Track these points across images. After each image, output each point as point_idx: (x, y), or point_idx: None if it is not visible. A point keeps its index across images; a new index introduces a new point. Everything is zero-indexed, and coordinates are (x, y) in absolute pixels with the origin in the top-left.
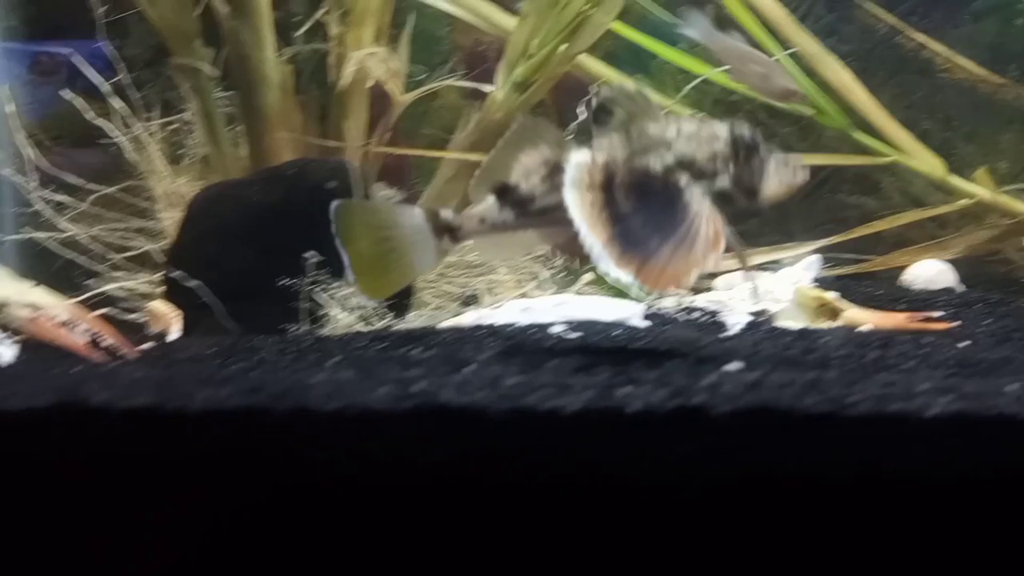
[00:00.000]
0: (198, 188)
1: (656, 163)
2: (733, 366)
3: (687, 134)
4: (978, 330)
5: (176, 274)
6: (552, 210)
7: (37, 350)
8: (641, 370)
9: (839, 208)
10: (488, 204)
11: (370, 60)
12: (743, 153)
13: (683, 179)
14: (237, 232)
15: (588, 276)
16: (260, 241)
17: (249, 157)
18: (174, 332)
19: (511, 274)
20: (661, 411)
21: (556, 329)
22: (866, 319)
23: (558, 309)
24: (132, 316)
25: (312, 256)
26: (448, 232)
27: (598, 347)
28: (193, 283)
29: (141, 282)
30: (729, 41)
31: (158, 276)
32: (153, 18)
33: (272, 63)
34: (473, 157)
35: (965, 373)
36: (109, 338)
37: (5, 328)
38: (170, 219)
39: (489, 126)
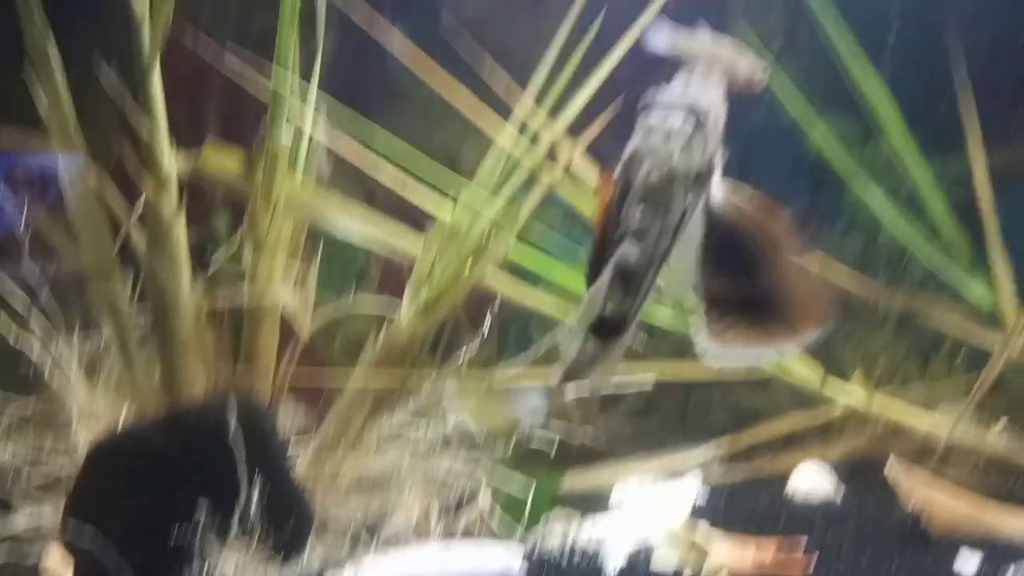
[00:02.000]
0: (114, 406)
1: None
2: None
3: None
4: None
5: (70, 528)
6: None
7: None
8: None
9: (731, 409)
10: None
11: (280, 291)
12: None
13: None
14: (134, 479)
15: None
16: (158, 488)
17: (161, 383)
18: None
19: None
20: None
21: None
22: (729, 561)
23: (444, 561)
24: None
25: (203, 504)
26: None
27: None
28: (86, 536)
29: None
30: (697, 36)
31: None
32: (72, 255)
33: (186, 291)
34: (377, 379)
35: None
36: None
37: None
38: (84, 437)
39: (394, 347)
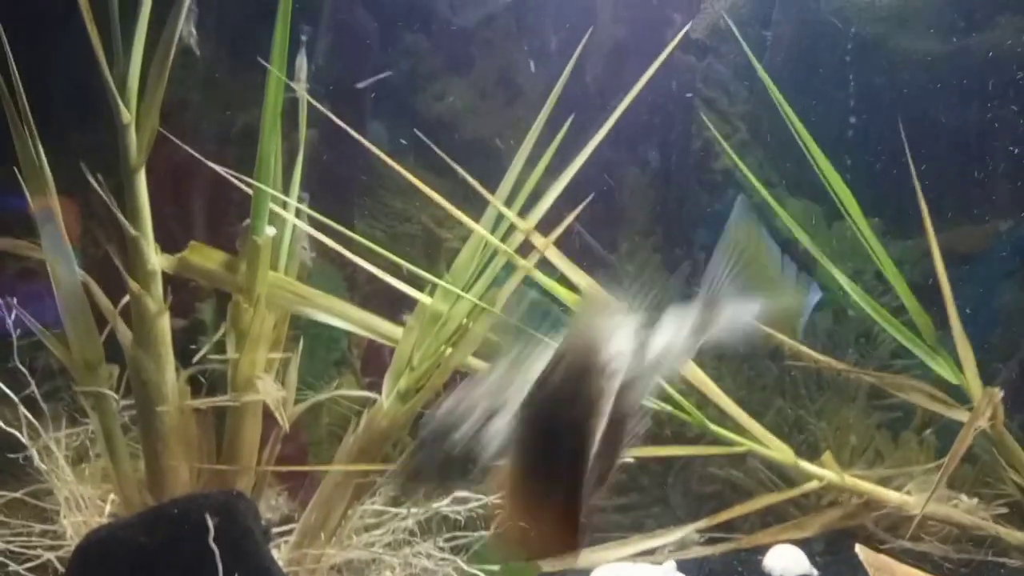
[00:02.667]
0: (101, 493)
1: None
2: None
3: None
4: None
5: None
6: None
7: None
8: None
9: (709, 481)
10: None
11: (262, 382)
12: None
13: None
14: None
15: None
16: None
17: (146, 474)
18: None
19: None
20: None
21: None
22: None
23: None
24: None
25: None
26: None
27: None
28: None
29: None
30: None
31: None
32: (55, 350)
33: (170, 385)
34: (357, 467)
35: None
36: None
37: None
38: (72, 523)
39: (374, 434)
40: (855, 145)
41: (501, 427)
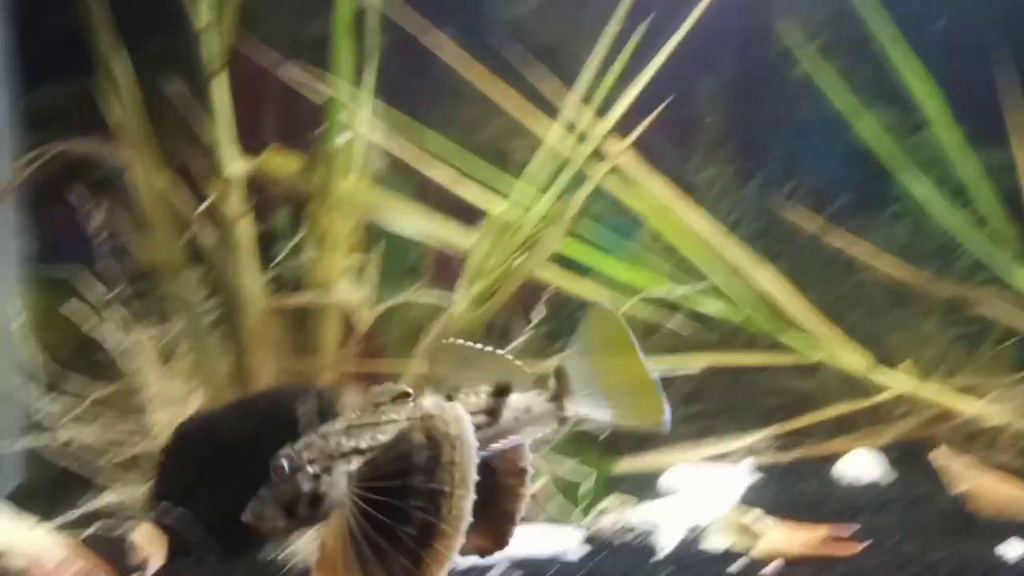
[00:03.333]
0: (187, 390)
1: None
2: None
3: None
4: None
5: (160, 507)
6: None
7: None
8: None
9: (781, 393)
10: None
11: (341, 285)
12: None
13: None
14: (213, 462)
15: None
16: (234, 471)
17: (232, 370)
18: (156, 562)
19: None
20: None
21: (495, 573)
22: (780, 545)
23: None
24: (124, 529)
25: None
26: None
27: None
28: (173, 514)
29: (132, 495)
30: None
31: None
32: (142, 256)
33: (253, 286)
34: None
35: None
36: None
37: (7, 572)
38: (161, 419)
39: (449, 336)
40: (941, 50)
41: (342, 475)
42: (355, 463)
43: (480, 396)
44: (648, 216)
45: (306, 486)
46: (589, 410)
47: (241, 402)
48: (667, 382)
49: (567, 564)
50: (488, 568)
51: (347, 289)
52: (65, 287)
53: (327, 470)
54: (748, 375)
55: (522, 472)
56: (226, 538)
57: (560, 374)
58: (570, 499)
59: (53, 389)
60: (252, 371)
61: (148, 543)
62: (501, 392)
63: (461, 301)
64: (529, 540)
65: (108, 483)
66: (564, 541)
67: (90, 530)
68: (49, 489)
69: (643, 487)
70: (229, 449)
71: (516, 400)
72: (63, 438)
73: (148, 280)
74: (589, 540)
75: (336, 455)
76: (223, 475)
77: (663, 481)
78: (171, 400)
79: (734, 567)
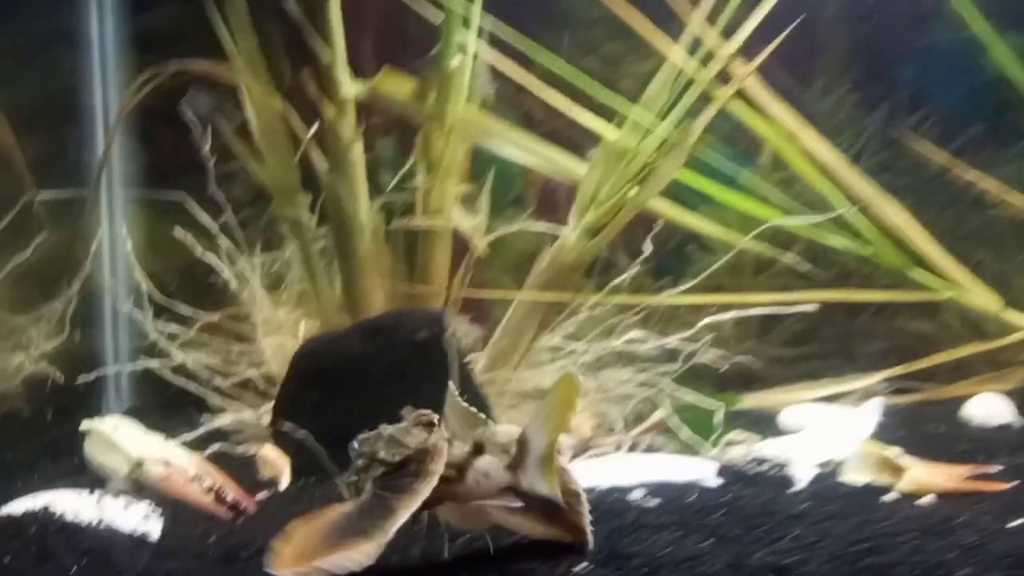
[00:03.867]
0: (295, 317)
1: None
2: None
3: None
4: None
5: (286, 427)
6: None
7: (178, 522)
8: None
9: (899, 335)
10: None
11: (455, 213)
12: None
13: None
14: (337, 384)
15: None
16: (358, 392)
17: (342, 296)
18: (284, 480)
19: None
20: None
21: (635, 495)
22: (926, 480)
23: (637, 470)
24: (241, 449)
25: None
26: None
27: (688, 521)
28: (299, 433)
29: (249, 416)
30: None
31: (264, 410)
32: (258, 173)
33: (365, 212)
34: (546, 296)
35: None
36: (231, 492)
37: (141, 488)
38: (269, 345)
39: (561, 267)
40: None
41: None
42: (378, 470)
43: (462, 450)
44: (773, 144)
45: (353, 477)
46: (542, 487)
47: (364, 325)
48: (778, 321)
49: (706, 491)
50: (628, 490)
51: (461, 215)
52: (175, 212)
53: (366, 470)
54: (865, 315)
55: (576, 494)
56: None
57: (522, 441)
58: (698, 430)
59: (163, 313)
60: (363, 297)
61: (275, 462)
62: (478, 451)
63: (572, 232)
64: (663, 468)
65: (221, 406)
66: (699, 470)
67: (210, 450)
68: (161, 411)
69: (762, 424)
70: (352, 371)
71: (480, 462)
72: (175, 362)
73: (258, 205)
74: (722, 471)
75: (376, 459)
76: (346, 397)
77: (782, 419)
78: (280, 326)
79: (886, 498)
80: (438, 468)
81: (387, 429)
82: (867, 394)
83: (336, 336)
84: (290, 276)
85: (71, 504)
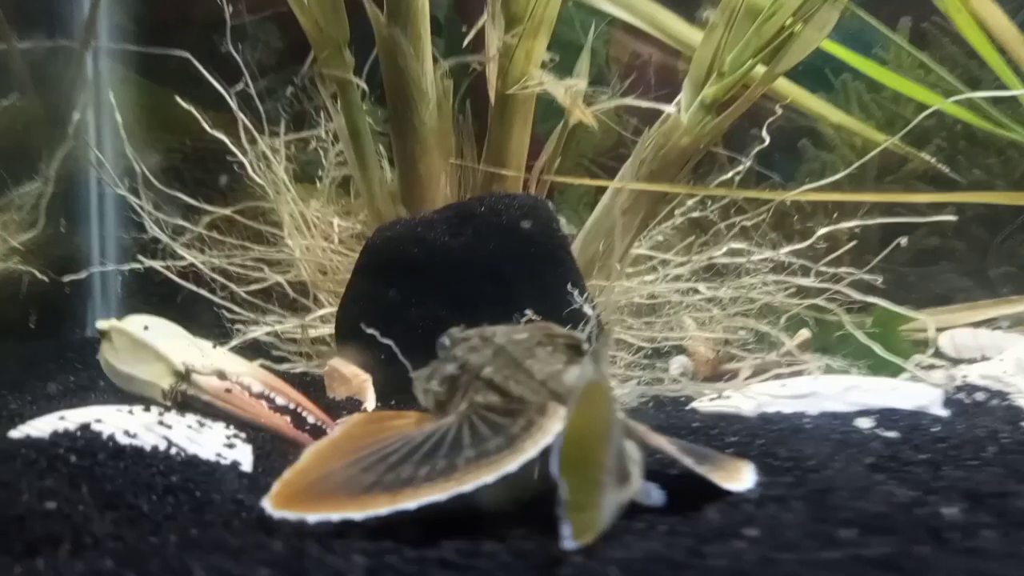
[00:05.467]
0: (331, 214)
1: None
2: None
3: None
4: None
5: (370, 331)
6: None
7: (269, 451)
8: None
9: None
10: None
11: (547, 79)
12: None
13: None
14: (421, 279)
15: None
16: (448, 292)
17: (400, 182)
18: (369, 400)
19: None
20: None
21: (864, 424)
22: None
23: (848, 394)
24: (284, 367)
25: (527, 315)
26: None
27: (937, 456)
28: (367, 344)
29: (294, 325)
30: None
31: (313, 317)
32: (304, 22)
33: (431, 76)
34: (653, 187)
35: None
36: (310, 412)
37: (187, 407)
38: (298, 246)
39: (671, 152)
40: None
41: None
42: (480, 395)
43: None
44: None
45: (436, 385)
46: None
47: (451, 210)
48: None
49: (937, 419)
50: (848, 417)
51: (552, 80)
52: (179, 77)
53: (454, 381)
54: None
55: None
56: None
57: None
58: (895, 349)
59: (164, 206)
60: (424, 183)
61: (353, 378)
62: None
63: (688, 107)
64: (882, 393)
65: (242, 318)
66: (922, 397)
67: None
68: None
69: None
70: (440, 265)
71: None
72: (183, 261)
73: (285, 71)
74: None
75: (473, 374)
76: (432, 297)
77: (943, 344)
78: (311, 224)
79: None
80: (551, 427)
81: (500, 334)
82: (1017, 320)
83: (417, 223)
84: (328, 159)
85: (119, 424)
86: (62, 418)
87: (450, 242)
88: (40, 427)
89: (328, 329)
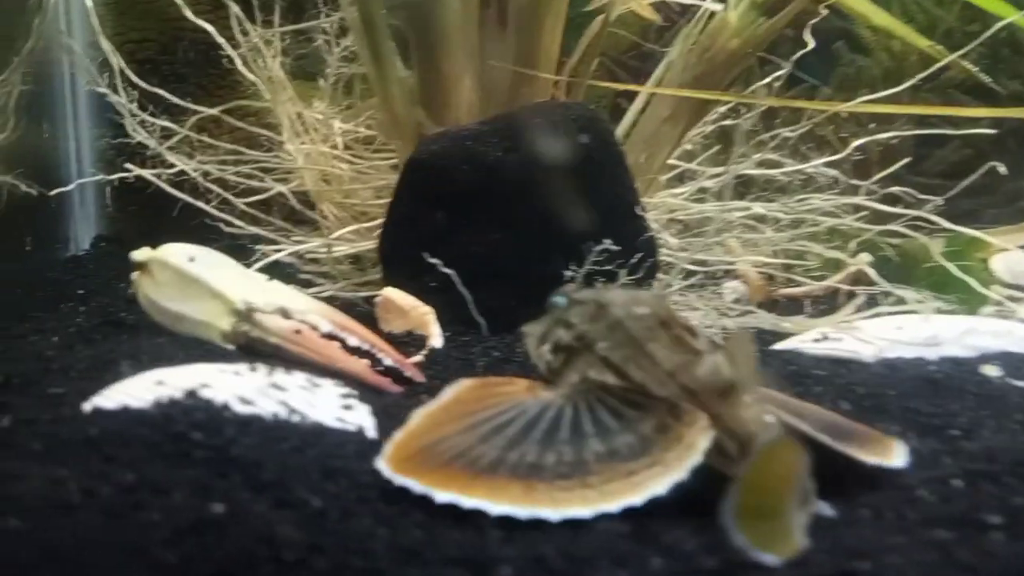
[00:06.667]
0: (339, 116)
1: None
2: None
3: None
4: None
5: (434, 262)
6: None
7: (379, 411)
8: None
9: None
10: None
11: None
12: None
13: None
14: (472, 198)
15: None
16: (502, 213)
17: (418, 84)
18: (435, 336)
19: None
20: None
21: (991, 372)
22: None
23: (966, 338)
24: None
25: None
26: None
27: None
28: (448, 271)
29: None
30: None
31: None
32: None
33: None
34: (697, 94)
35: None
36: (387, 355)
37: (253, 348)
38: (299, 152)
39: (718, 56)
40: None
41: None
42: (595, 371)
43: None
44: None
45: (548, 352)
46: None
47: (495, 122)
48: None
49: None
50: (970, 362)
51: None
52: None
53: (570, 351)
54: None
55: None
56: (485, 301)
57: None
58: (979, 278)
59: (147, 105)
60: (446, 84)
61: (412, 310)
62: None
63: (735, 5)
64: (1001, 334)
65: (244, 234)
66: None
67: None
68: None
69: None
70: (494, 179)
71: None
72: (169, 167)
73: None
74: None
75: (590, 346)
76: (485, 216)
77: (996, 267)
78: (313, 127)
79: None
80: (698, 443)
81: (618, 305)
82: None
83: (463, 136)
84: (331, 56)
85: (231, 389)
86: (160, 383)
87: (504, 157)
88: (136, 394)
89: (347, 248)
